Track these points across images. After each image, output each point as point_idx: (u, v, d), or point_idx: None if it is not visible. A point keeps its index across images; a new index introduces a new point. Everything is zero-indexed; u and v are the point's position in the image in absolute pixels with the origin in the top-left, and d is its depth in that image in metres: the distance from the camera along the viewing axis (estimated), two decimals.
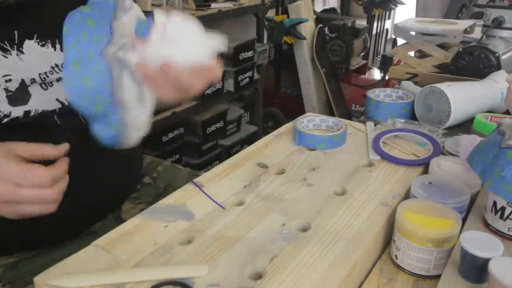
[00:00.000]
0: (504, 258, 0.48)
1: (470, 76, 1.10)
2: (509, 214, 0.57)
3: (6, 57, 0.63)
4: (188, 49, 0.55)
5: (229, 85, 2.08)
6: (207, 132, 2.00)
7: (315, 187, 0.66)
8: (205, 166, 2.02)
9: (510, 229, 0.58)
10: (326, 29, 2.72)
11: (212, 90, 1.95)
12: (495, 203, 0.59)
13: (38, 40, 0.66)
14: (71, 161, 0.69)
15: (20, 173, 0.52)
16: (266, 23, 2.36)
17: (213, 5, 1.94)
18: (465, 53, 1.16)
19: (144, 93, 0.56)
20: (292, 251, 0.53)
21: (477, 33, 1.35)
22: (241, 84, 2.12)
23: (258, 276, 0.49)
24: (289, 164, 0.72)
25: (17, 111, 0.65)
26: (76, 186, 0.70)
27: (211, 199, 0.62)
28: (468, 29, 1.32)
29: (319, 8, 3.37)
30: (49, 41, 0.68)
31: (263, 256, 0.51)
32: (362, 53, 3.20)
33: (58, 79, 0.69)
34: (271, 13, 2.48)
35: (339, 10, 3.63)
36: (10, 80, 0.63)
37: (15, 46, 0.64)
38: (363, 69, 3.24)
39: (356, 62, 3.06)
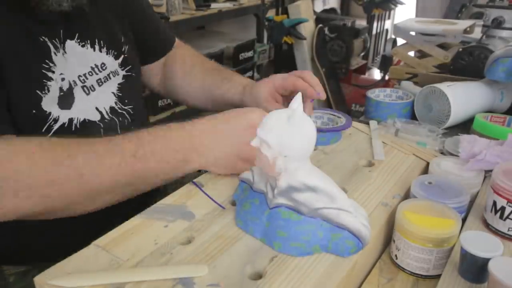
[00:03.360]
0: (504, 258, 0.48)
1: (470, 76, 1.10)
2: (509, 214, 0.57)
3: (56, 54, 0.65)
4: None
5: None
6: None
7: None
8: None
9: (510, 229, 0.58)
10: (326, 29, 2.72)
11: None
12: (495, 203, 0.58)
13: (78, 40, 0.69)
14: None
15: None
16: (266, 23, 2.36)
17: (213, 5, 1.94)
18: (465, 53, 1.16)
19: None
20: None
21: (477, 33, 1.34)
22: None
23: (258, 276, 0.49)
24: None
25: (63, 117, 0.67)
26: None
27: (211, 199, 0.62)
28: (468, 29, 1.32)
29: (319, 8, 3.37)
30: (88, 41, 0.70)
31: (263, 256, 0.51)
32: (362, 53, 3.20)
33: (98, 81, 0.72)
34: (271, 13, 2.48)
35: (339, 10, 3.63)
36: (63, 79, 0.66)
37: (61, 45, 0.66)
38: (363, 69, 3.24)
39: (356, 62, 3.06)
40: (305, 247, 0.52)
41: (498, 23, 1.22)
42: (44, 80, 0.64)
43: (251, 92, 0.77)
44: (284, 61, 2.68)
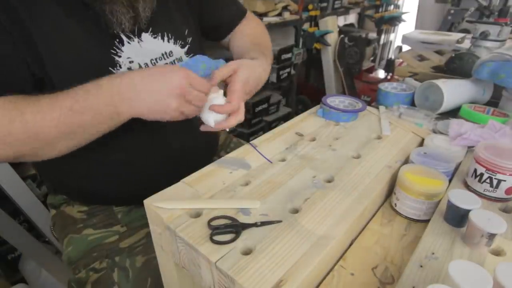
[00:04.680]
0: (480, 210, 0.46)
1: (460, 76, 1.03)
2: (486, 179, 0.54)
3: (129, 43, 0.62)
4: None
5: (273, 78, 2.05)
6: (255, 111, 1.99)
7: (337, 151, 0.65)
8: (253, 134, 2.03)
9: (485, 190, 0.55)
10: (346, 39, 2.60)
11: None
12: (475, 170, 0.55)
13: (151, 33, 0.65)
14: (169, 138, 0.69)
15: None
16: (302, 33, 2.29)
17: (265, 19, 1.90)
18: (457, 58, 1.08)
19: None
20: (320, 195, 0.52)
21: (466, 44, 1.25)
22: (281, 77, 2.08)
23: (296, 211, 0.49)
24: (319, 134, 0.71)
25: None
26: (173, 157, 0.71)
27: (262, 155, 0.62)
28: (460, 40, 1.23)
29: (341, 23, 3.23)
30: (160, 34, 0.66)
31: (299, 197, 0.51)
32: (372, 58, 3.07)
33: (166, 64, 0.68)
34: (306, 26, 2.41)
35: (356, 25, 3.47)
36: (132, 62, 0.62)
37: (136, 36, 0.63)
38: (371, 69, 3.12)
39: (367, 64, 2.94)
40: None
41: (484, 36, 1.13)
42: (115, 61, 0.60)
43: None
44: (313, 62, 2.62)
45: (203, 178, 0.55)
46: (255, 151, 0.63)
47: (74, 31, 0.56)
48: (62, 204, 0.75)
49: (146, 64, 0.65)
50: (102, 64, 0.59)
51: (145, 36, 0.64)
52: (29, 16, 0.52)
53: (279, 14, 2.02)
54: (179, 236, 0.44)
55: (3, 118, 0.48)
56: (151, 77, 0.52)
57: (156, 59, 0.66)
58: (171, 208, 0.48)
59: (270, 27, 1.88)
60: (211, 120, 0.59)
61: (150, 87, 0.52)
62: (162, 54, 0.67)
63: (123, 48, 0.61)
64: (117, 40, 0.60)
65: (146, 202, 0.49)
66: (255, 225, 0.45)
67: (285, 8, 2.06)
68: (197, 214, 0.48)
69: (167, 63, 0.68)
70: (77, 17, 0.56)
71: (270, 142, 0.67)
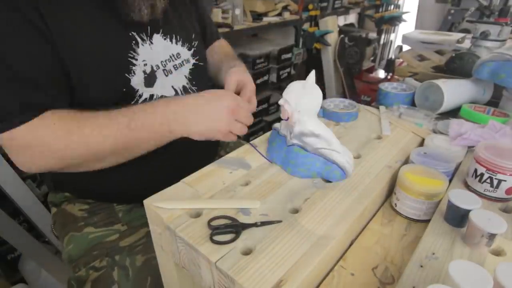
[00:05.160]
0: (481, 210, 0.46)
1: (460, 76, 1.03)
2: (486, 179, 0.54)
3: (143, 45, 0.64)
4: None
5: (273, 78, 2.05)
6: (256, 111, 1.99)
7: None
8: (253, 134, 2.03)
9: (485, 189, 0.55)
10: (346, 38, 2.60)
11: (261, 81, 1.93)
12: (475, 170, 0.55)
13: (162, 34, 0.67)
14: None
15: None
16: (302, 33, 2.29)
17: (265, 19, 1.90)
18: (457, 58, 1.08)
19: None
20: (320, 195, 0.52)
21: (466, 44, 1.25)
22: (281, 77, 2.09)
23: (296, 211, 0.49)
24: None
25: (146, 93, 0.65)
26: (175, 157, 0.71)
27: (262, 155, 0.62)
28: (460, 40, 1.23)
29: (341, 23, 3.23)
30: (169, 36, 0.68)
31: (299, 197, 0.52)
32: (372, 58, 3.06)
33: (174, 66, 0.70)
34: (306, 26, 2.40)
35: (356, 25, 3.47)
36: (146, 64, 0.64)
37: (148, 38, 0.65)
38: (371, 69, 3.11)
39: (367, 64, 2.94)
40: (306, 172, 0.56)
41: (485, 36, 1.13)
42: (130, 66, 0.62)
43: (225, 77, 0.70)
44: (313, 62, 2.61)
45: (203, 178, 0.55)
46: (255, 151, 0.63)
47: (93, 28, 0.58)
48: (63, 202, 0.75)
49: (158, 66, 0.67)
50: (119, 68, 0.61)
51: (156, 37, 0.66)
52: (50, 12, 0.53)
53: (279, 14, 2.02)
54: (179, 236, 0.44)
55: (61, 130, 0.52)
56: (204, 100, 0.57)
57: (165, 60, 0.68)
58: (171, 208, 0.48)
59: (270, 27, 1.88)
60: None
61: (204, 109, 0.57)
62: (170, 56, 0.69)
63: (138, 51, 0.63)
64: (134, 41, 0.63)
65: (146, 202, 0.49)
66: (255, 225, 0.45)
67: (285, 8, 2.06)
68: (197, 214, 0.48)
69: (175, 64, 0.70)
70: (91, 15, 0.58)
71: None
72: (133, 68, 0.62)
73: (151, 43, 0.65)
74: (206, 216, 0.47)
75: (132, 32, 0.63)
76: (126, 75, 0.62)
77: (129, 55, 0.62)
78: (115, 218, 0.72)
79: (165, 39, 0.68)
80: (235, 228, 0.44)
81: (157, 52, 0.66)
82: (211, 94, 0.58)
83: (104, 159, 0.57)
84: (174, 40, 0.70)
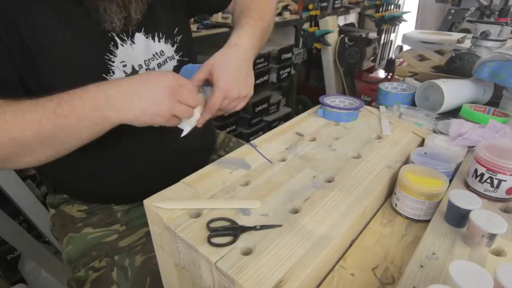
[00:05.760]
0: (481, 210, 0.46)
1: (460, 76, 1.03)
2: (486, 179, 0.54)
3: (122, 45, 0.62)
4: None
5: (273, 78, 2.05)
6: (256, 111, 1.99)
7: (338, 151, 0.65)
8: (253, 134, 2.03)
9: (486, 190, 0.55)
10: (346, 38, 2.60)
11: (261, 81, 1.93)
12: (476, 170, 0.55)
13: (144, 33, 0.65)
14: (168, 137, 0.69)
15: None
16: (302, 33, 2.29)
17: None
18: (457, 58, 1.08)
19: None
20: (320, 195, 0.52)
21: (466, 44, 1.25)
22: (281, 77, 2.08)
23: (296, 211, 0.49)
24: (319, 134, 0.71)
25: None
26: (171, 156, 0.71)
27: (262, 155, 0.62)
28: (460, 39, 1.22)
29: (341, 22, 3.23)
30: (150, 34, 0.66)
31: (300, 198, 0.51)
32: (372, 58, 3.06)
33: (158, 64, 0.68)
34: (306, 26, 2.40)
35: (356, 25, 3.47)
36: (125, 65, 0.62)
37: (129, 37, 0.63)
38: (372, 69, 3.10)
39: (367, 64, 2.93)
40: None
41: (485, 35, 1.13)
42: (108, 66, 0.59)
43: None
44: (313, 62, 2.61)
45: (203, 178, 0.55)
46: (255, 151, 0.63)
47: (66, 35, 0.55)
48: (62, 204, 0.75)
49: (140, 66, 0.64)
50: (96, 69, 0.59)
51: (138, 36, 0.64)
52: (24, 20, 0.52)
53: (279, 14, 2.02)
54: (179, 237, 0.44)
55: None
56: (141, 80, 0.51)
57: (149, 59, 0.66)
58: (171, 208, 0.48)
59: None
60: (188, 126, 0.58)
61: (140, 90, 0.51)
62: (154, 55, 0.67)
63: (117, 52, 0.61)
64: (112, 43, 0.60)
65: (146, 202, 0.49)
66: (254, 228, 0.45)
67: (285, 7, 2.06)
68: (197, 214, 0.47)
69: (159, 63, 0.68)
70: (65, 15, 0.55)
71: (270, 142, 0.67)
72: (112, 68, 0.60)
73: (133, 42, 0.63)
74: (206, 216, 0.47)
75: (111, 33, 0.60)
76: (104, 75, 0.59)
77: (105, 57, 0.59)
78: (114, 218, 0.72)
79: (147, 37, 0.65)
80: (233, 230, 0.44)
81: (138, 52, 0.64)
82: (148, 74, 0.53)
83: (31, 150, 0.50)
84: (156, 38, 0.67)
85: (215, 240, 0.43)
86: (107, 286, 0.61)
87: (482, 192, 0.55)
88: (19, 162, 0.51)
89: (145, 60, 0.65)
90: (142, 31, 0.65)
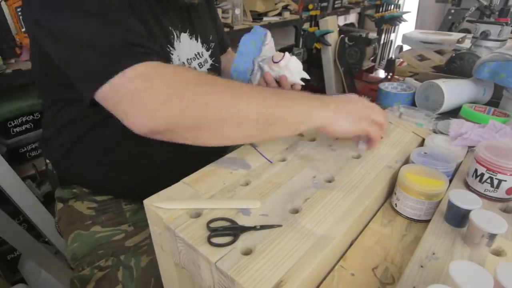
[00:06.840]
0: (481, 210, 0.46)
1: (460, 76, 1.03)
2: (486, 179, 0.54)
3: (176, 41, 0.67)
4: (295, 76, 0.74)
5: None
6: None
7: (338, 151, 0.65)
8: None
9: (486, 190, 0.55)
10: (346, 38, 2.60)
11: None
12: (476, 170, 0.55)
13: (188, 33, 0.70)
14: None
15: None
16: (302, 32, 2.30)
17: (265, 18, 1.90)
18: (457, 58, 1.08)
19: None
20: (320, 195, 0.52)
21: (466, 44, 1.25)
22: None
23: (296, 211, 0.49)
24: (319, 134, 0.71)
25: None
26: (184, 154, 0.71)
27: (263, 155, 0.62)
28: (460, 39, 1.22)
29: (341, 22, 3.24)
30: (194, 35, 0.72)
31: (300, 198, 0.51)
32: (372, 58, 3.06)
33: (199, 64, 0.73)
34: (306, 25, 2.41)
35: (356, 25, 3.47)
36: (180, 59, 0.68)
37: (179, 35, 0.68)
38: (372, 69, 3.10)
39: (367, 64, 2.93)
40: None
41: (485, 35, 1.13)
42: (169, 56, 0.65)
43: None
44: (313, 62, 2.61)
45: (203, 178, 0.55)
46: (255, 151, 0.63)
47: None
48: (71, 199, 0.75)
49: (183, 63, 0.69)
50: (164, 58, 0.64)
51: (184, 36, 0.69)
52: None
53: (279, 14, 2.02)
54: (179, 237, 0.44)
55: (197, 73, 0.50)
56: (343, 100, 0.58)
57: (191, 58, 0.71)
58: (171, 208, 0.48)
59: (270, 27, 1.88)
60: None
61: (346, 103, 0.58)
62: (195, 54, 0.72)
63: (175, 45, 0.67)
64: (172, 36, 0.66)
65: (146, 202, 0.49)
66: (254, 228, 0.45)
67: (285, 7, 2.06)
68: (197, 214, 0.47)
69: (200, 63, 0.73)
70: None
71: (270, 142, 0.67)
72: (171, 58, 0.66)
73: (180, 41, 0.68)
74: (206, 216, 0.47)
75: (171, 27, 0.66)
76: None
77: (167, 49, 0.66)
78: (123, 218, 0.72)
79: (190, 38, 0.71)
80: (233, 231, 0.44)
81: (184, 49, 0.69)
82: (346, 97, 0.60)
83: (244, 126, 0.50)
84: (199, 40, 0.73)
85: (215, 240, 0.43)
86: (112, 286, 0.61)
87: (482, 192, 0.55)
88: (214, 136, 0.51)
89: (188, 59, 0.70)
90: (187, 32, 0.70)
